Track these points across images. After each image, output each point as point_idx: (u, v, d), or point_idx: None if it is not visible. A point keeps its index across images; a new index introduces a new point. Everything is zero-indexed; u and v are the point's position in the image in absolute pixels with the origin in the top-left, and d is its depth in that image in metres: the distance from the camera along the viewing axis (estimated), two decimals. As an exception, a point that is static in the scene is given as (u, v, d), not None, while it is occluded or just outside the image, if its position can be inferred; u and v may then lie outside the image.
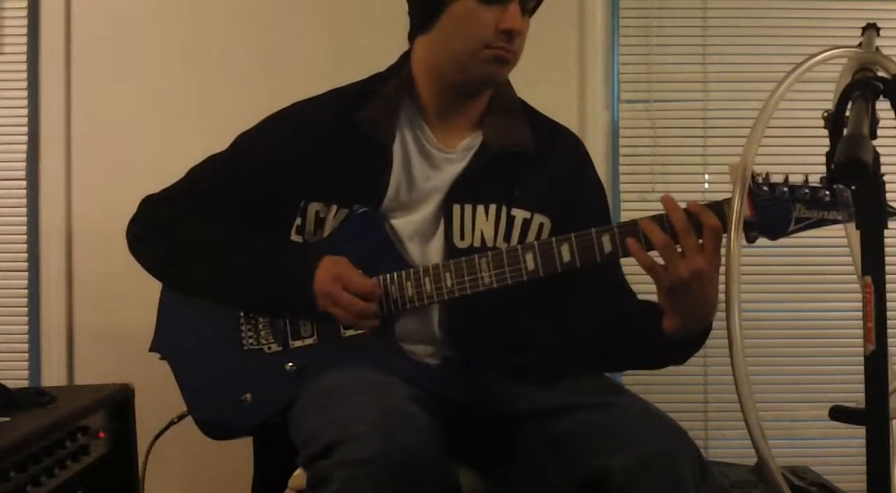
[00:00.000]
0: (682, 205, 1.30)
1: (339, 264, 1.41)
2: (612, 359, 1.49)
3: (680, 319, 1.31)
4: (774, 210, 1.26)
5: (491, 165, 1.47)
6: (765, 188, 1.26)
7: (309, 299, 1.40)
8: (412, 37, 1.51)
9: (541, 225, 1.48)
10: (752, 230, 1.28)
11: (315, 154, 1.49)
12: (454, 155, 1.50)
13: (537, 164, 1.50)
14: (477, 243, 1.45)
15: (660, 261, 1.28)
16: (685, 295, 1.28)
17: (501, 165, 1.48)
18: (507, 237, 1.46)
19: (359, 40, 2.37)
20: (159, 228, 1.55)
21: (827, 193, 1.24)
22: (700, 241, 1.26)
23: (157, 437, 1.71)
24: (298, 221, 1.49)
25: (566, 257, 1.33)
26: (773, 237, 1.29)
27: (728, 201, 1.27)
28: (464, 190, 1.47)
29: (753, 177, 1.25)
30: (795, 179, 1.27)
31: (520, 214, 1.48)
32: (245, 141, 1.57)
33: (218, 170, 1.56)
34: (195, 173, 1.58)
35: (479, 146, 1.50)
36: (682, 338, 1.33)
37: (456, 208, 1.46)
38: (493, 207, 1.47)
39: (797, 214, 1.26)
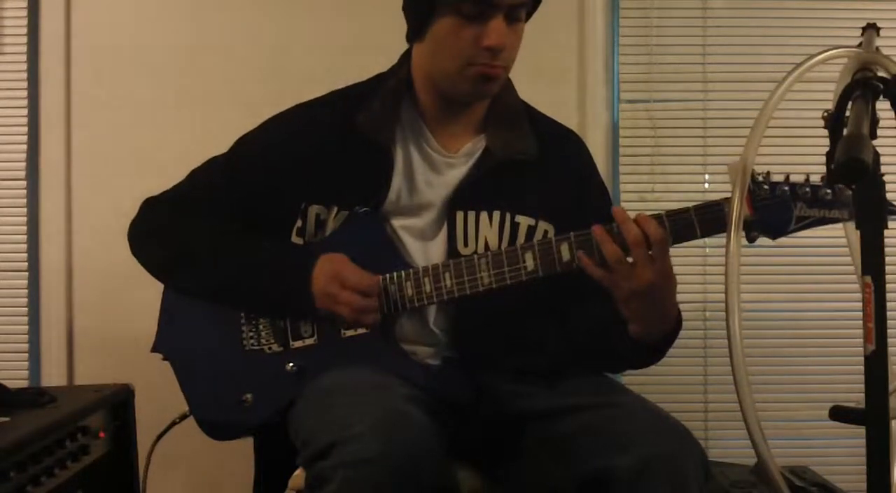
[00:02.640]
0: (686, 205, 1.30)
1: (337, 261, 1.41)
2: (608, 360, 1.49)
3: (641, 325, 1.32)
4: (775, 209, 1.26)
5: (494, 172, 1.47)
6: (765, 187, 1.26)
7: (308, 300, 1.40)
8: (409, 40, 1.51)
9: (545, 232, 1.48)
10: (753, 230, 1.27)
11: (315, 156, 1.48)
12: (456, 160, 1.50)
13: (541, 170, 1.50)
14: (481, 250, 1.45)
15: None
16: (641, 304, 1.29)
17: (505, 173, 1.47)
18: (512, 245, 1.46)
19: (360, 41, 2.38)
20: (160, 231, 1.55)
21: (828, 191, 1.23)
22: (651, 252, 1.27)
23: (159, 437, 1.72)
24: (299, 222, 1.49)
25: (565, 256, 1.33)
26: (774, 237, 1.28)
27: (727, 200, 1.27)
28: (467, 197, 1.46)
29: (753, 176, 1.25)
30: (796, 178, 1.27)
31: (524, 221, 1.47)
32: (246, 143, 1.57)
33: (219, 172, 1.56)
34: (196, 175, 1.58)
35: (481, 152, 1.49)
36: (649, 341, 1.33)
37: (459, 215, 1.45)
38: (496, 214, 1.46)
39: (798, 212, 1.26)
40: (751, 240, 1.28)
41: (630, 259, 1.27)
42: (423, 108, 1.51)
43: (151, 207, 1.58)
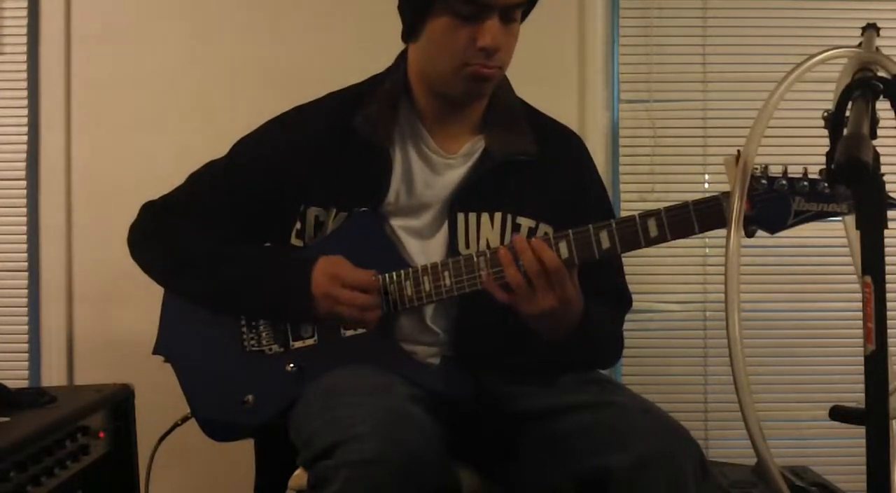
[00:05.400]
0: (686, 200, 1.30)
1: (335, 262, 1.41)
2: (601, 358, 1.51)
3: (543, 334, 1.36)
4: (773, 204, 1.26)
5: (494, 173, 1.47)
6: (763, 182, 1.26)
7: (308, 303, 1.40)
8: (405, 40, 1.51)
9: (545, 234, 1.47)
10: (751, 224, 1.27)
11: (314, 159, 1.49)
12: (454, 160, 1.50)
13: (541, 170, 1.49)
14: None
15: None
16: (541, 323, 1.33)
17: (505, 173, 1.47)
18: None
19: (359, 42, 2.37)
20: (159, 235, 1.55)
21: (826, 185, 1.23)
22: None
23: (161, 439, 1.71)
24: (298, 225, 1.49)
25: (564, 253, 1.33)
26: (773, 231, 1.28)
27: (726, 195, 1.27)
28: (468, 198, 1.46)
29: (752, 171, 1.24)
30: (794, 171, 1.27)
31: (525, 223, 1.47)
32: (244, 146, 1.57)
33: (217, 176, 1.56)
34: (195, 179, 1.58)
35: (481, 153, 1.49)
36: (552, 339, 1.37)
37: (460, 217, 1.46)
38: (497, 216, 1.46)
39: (797, 207, 1.26)
40: (749, 234, 1.28)
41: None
42: (420, 108, 1.51)
43: (150, 211, 1.58)
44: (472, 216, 1.46)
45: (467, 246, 1.45)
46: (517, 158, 1.48)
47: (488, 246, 1.45)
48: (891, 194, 0.92)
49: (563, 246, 1.33)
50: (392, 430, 1.15)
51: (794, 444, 2.48)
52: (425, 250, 1.47)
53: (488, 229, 1.46)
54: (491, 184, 1.47)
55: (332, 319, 1.41)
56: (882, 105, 0.93)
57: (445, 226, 1.46)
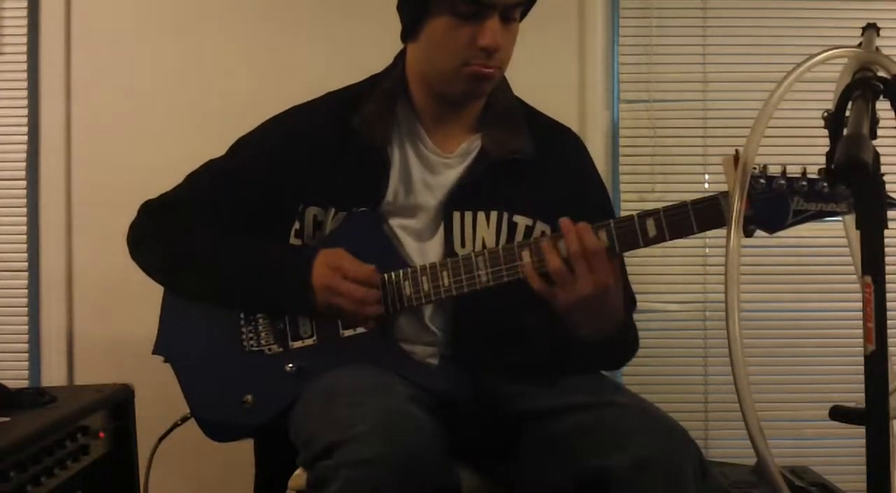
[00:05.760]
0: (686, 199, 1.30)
1: (336, 255, 1.41)
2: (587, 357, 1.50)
3: (582, 329, 1.34)
4: (772, 203, 1.26)
5: (491, 172, 1.47)
6: (762, 181, 1.25)
7: (308, 294, 1.40)
8: (404, 40, 1.51)
9: (543, 233, 1.47)
10: (750, 224, 1.27)
11: (313, 158, 1.49)
12: (451, 160, 1.50)
13: (538, 169, 1.50)
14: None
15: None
16: (579, 314, 1.31)
17: (502, 172, 1.47)
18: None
19: (358, 42, 2.37)
20: (158, 235, 1.55)
21: (825, 184, 1.23)
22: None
23: (161, 439, 1.71)
24: (297, 225, 1.49)
25: (563, 253, 1.33)
26: (772, 231, 1.28)
27: (724, 195, 1.27)
28: (464, 197, 1.46)
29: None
30: (793, 171, 1.27)
31: (522, 221, 1.47)
32: (243, 146, 1.57)
33: (216, 176, 1.56)
34: (194, 179, 1.58)
35: (477, 152, 1.50)
36: (591, 341, 1.35)
37: (456, 215, 1.46)
38: (493, 214, 1.46)
39: (795, 206, 1.26)
40: (748, 234, 1.28)
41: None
42: (418, 108, 1.51)
43: (149, 211, 1.58)
44: (468, 215, 1.46)
45: (463, 245, 1.45)
46: (514, 157, 1.48)
47: (484, 245, 1.45)
48: (891, 194, 0.92)
49: (561, 246, 1.33)
50: (392, 430, 1.15)
51: (794, 444, 2.48)
52: (423, 249, 1.47)
53: (484, 228, 1.46)
54: (487, 183, 1.47)
55: (330, 311, 1.41)
56: (882, 105, 0.93)
57: (442, 225, 1.46)
